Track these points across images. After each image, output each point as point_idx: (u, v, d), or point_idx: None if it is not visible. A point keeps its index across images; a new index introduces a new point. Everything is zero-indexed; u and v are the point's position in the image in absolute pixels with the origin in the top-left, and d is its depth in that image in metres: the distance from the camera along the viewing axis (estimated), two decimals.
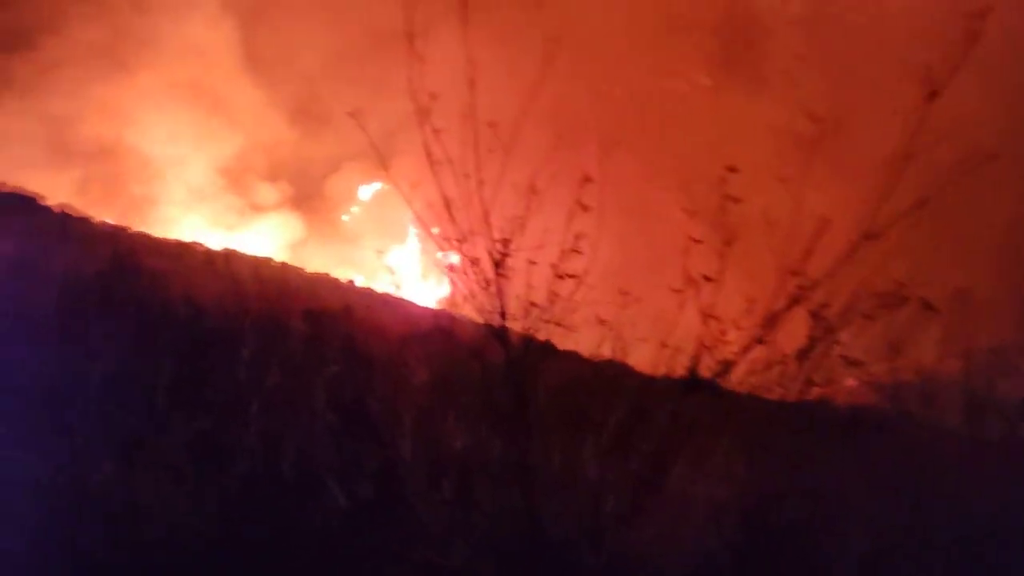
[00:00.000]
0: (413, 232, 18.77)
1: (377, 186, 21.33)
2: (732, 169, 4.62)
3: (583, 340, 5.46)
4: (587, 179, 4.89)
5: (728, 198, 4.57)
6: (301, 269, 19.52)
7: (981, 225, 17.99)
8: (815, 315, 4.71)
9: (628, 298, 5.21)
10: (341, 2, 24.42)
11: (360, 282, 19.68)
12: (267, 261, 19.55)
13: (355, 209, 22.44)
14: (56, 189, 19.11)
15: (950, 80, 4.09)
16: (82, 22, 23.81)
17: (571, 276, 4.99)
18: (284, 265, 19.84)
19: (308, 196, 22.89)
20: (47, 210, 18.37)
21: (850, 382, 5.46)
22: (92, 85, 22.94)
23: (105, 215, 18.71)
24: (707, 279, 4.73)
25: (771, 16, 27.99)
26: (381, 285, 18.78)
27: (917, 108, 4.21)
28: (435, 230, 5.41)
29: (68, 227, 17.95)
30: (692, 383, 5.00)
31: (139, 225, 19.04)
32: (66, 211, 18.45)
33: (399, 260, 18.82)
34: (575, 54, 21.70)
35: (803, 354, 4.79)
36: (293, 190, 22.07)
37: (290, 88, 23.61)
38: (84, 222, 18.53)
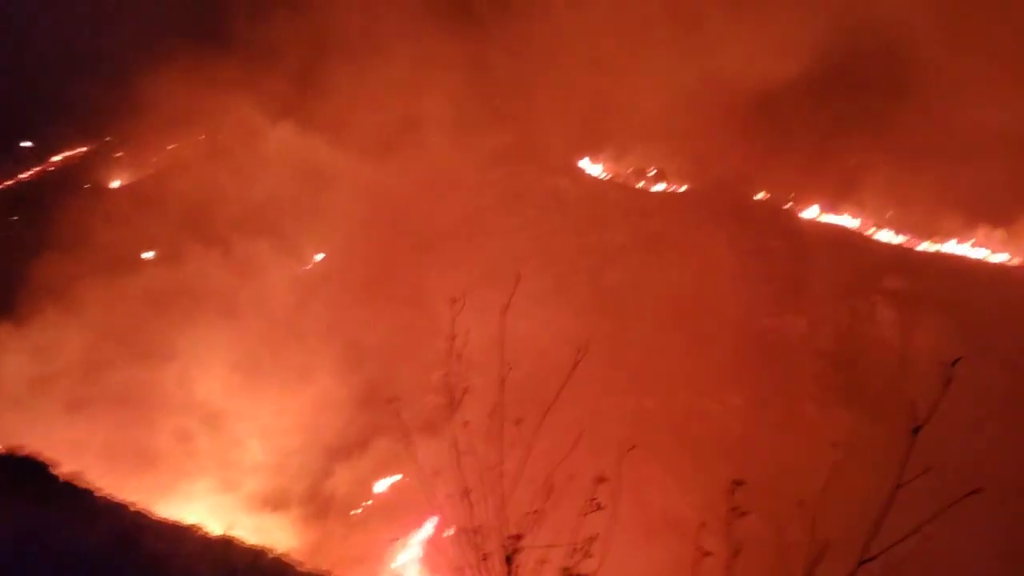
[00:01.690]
0: (427, 529, 18.57)
1: (396, 477, 21.55)
2: (739, 482, 4.96)
3: None
4: (602, 479, 5.25)
5: (736, 511, 4.86)
6: (300, 564, 19.05)
7: (973, 557, 17.74)
8: None
9: None
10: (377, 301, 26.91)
11: None
12: (264, 553, 19.18)
13: (367, 503, 22.43)
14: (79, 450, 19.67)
15: (930, 417, 4.59)
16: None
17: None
18: (281, 559, 19.40)
19: (320, 486, 23.11)
20: (55, 479, 18.68)
21: None
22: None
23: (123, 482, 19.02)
24: None
25: (801, 345, 30.10)
26: None
27: (906, 440, 4.67)
28: (448, 532, 5.64)
29: (73, 497, 18.12)
30: None
31: (146, 499, 19.09)
32: (73, 482, 18.71)
33: (408, 562, 18.42)
34: (611, 358, 23.31)
35: None
36: (305, 480, 22.39)
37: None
38: (87, 495, 18.69)
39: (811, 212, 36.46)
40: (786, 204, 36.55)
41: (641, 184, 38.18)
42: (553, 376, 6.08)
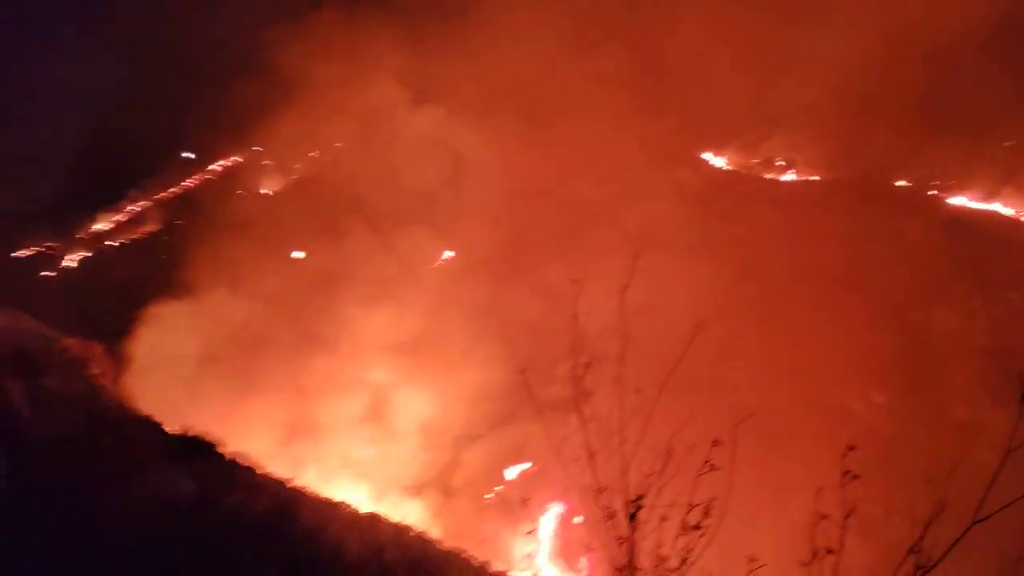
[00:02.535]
0: (553, 514, 19.14)
1: (525, 466, 22.29)
2: (852, 447, 5.17)
3: None
4: (717, 442, 5.57)
5: (848, 474, 5.07)
6: (438, 542, 20.08)
7: None
8: None
9: (754, 564, 5.55)
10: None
11: (496, 566, 19.86)
12: (407, 529, 20.30)
13: (499, 488, 23.26)
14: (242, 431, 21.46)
15: None
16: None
17: (700, 532, 5.46)
18: (422, 536, 20.49)
19: (456, 469, 24.13)
20: (220, 457, 20.43)
21: None
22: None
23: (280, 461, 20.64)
24: (829, 551, 5.07)
25: (952, 341, 28.46)
26: (519, 574, 18.90)
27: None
28: (577, 519, 6.09)
29: (235, 474, 19.78)
30: None
31: (302, 476, 20.62)
32: (236, 459, 20.44)
33: (537, 540, 19.03)
34: (729, 330, 23.05)
35: None
36: (444, 462, 23.46)
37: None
38: (250, 472, 20.37)
39: (962, 199, 34.38)
40: (933, 191, 34.59)
41: (770, 175, 37.21)
42: (672, 353, 6.44)
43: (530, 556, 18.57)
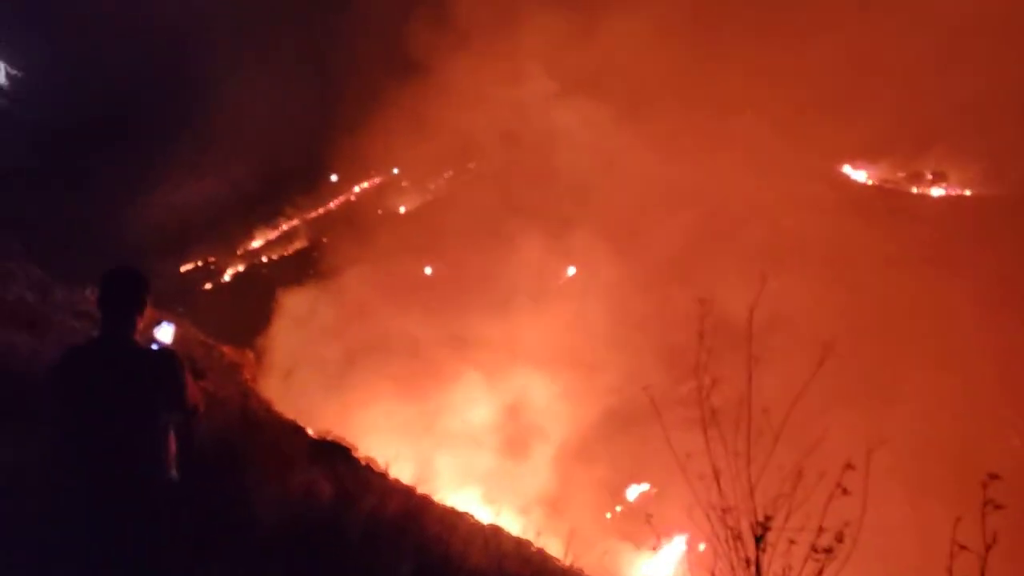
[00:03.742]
0: (676, 534, 18.78)
1: (646, 486, 22.02)
2: (994, 476, 4.89)
3: None
4: (849, 466, 5.40)
5: (989, 504, 4.80)
6: (558, 560, 20.06)
7: None
8: None
9: None
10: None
11: None
12: (528, 544, 20.42)
13: (618, 508, 23.09)
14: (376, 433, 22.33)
15: None
16: None
17: (831, 557, 5.30)
18: (542, 551, 20.55)
19: (573, 487, 24.10)
20: (356, 461, 21.29)
21: None
22: None
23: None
24: None
25: None
26: None
27: None
28: (701, 546, 6.01)
29: (369, 478, 20.57)
30: None
31: (428, 484, 21.18)
32: (370, 464, 21.25)
33: (660, 561, 18.73)
34: (864, 351, 21.78)
35: None
36: (564, 477, 23.53)
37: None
38: (382, 477, 21.14)
39: None
40: None
41: (918, 189, 35.04)
42: (802, 373, 6.30)
43: None
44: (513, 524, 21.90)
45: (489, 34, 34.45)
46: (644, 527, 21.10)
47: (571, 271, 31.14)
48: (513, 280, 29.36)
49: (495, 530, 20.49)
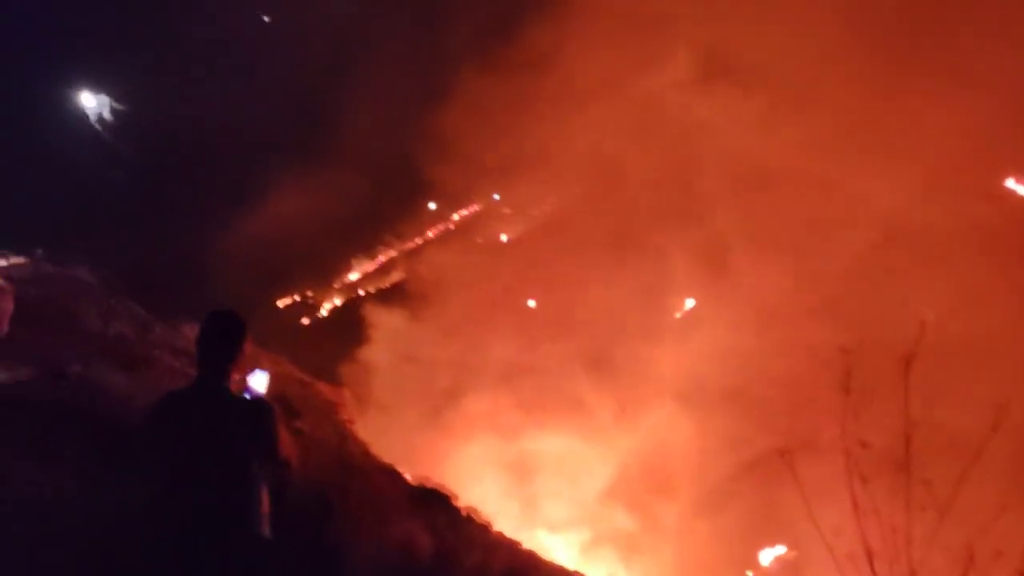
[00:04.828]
0: None
1: (781, 550, 21.00)
2: None
3: None
4: None
5: None
6: None
7: None
8: None
9: None
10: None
11: None
12: None
13: (749, 574, 22.10)
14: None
15: None
16: None
17: None
18: None
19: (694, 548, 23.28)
20: (457, 511, 21.29)
21: None
22: None
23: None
24: None
25: None
26: None
27: None
28: None
29: (470, 530, 20.49)
30: None
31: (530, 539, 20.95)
32: (472, 515, 21.19)
33: None
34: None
35: None
36: (689, 534, 22.75)
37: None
38: (485, 529, 21.01)
39: None
40: None
41: None
42: (969, 438, 5.77)
43: None
44: None
45: (593, 55, 34.07)
46: None
47: (689, 304, 30.23)
48: (624, 311, 28.61)
49: None
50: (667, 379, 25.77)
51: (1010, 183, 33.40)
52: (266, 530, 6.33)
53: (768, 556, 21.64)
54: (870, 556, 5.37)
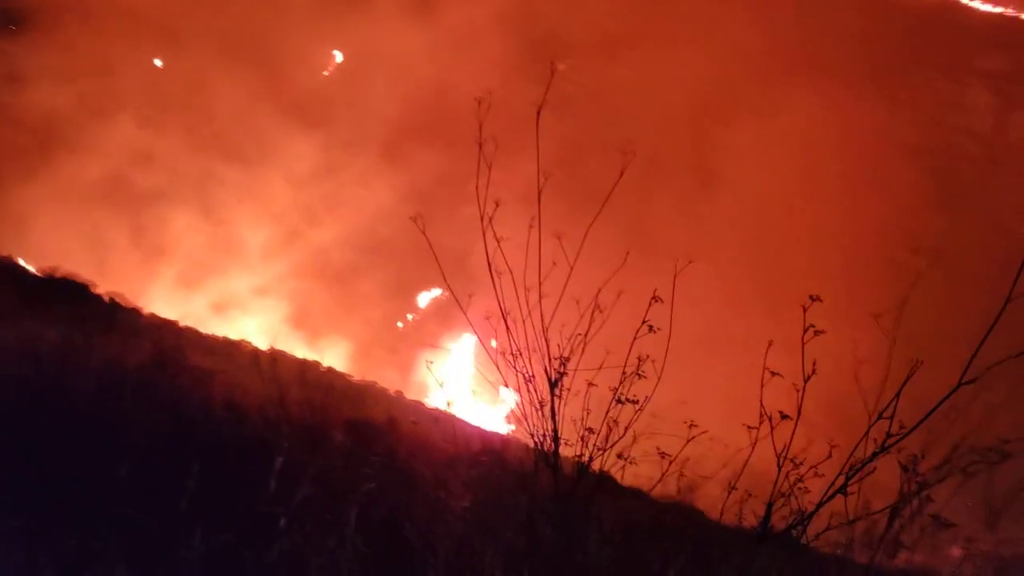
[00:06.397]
0: (470, 345, 18.95)
1: (436, 292, 21.84)
2: (816, 298, 4.57)
3: (643, 475, 5.31)
4: (656, 298, 4.91)
5: (811, 329, 4.50)
6: (348, 376, 19.78)
7: None
8: (906, 467, 4.50)
9: (696, 431, 5.09)
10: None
11: (409, 395, 19.85)
12: (315, 365, 19.88)
13: (410, 316, 22.92)
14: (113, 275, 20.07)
15: None
16: None
17: (633, 401, 4.92)
18: (330, 370, 20.15)
19: (363, 299, 23.49)
20: (97, 299, 19.18)
21: (954, 551, 5.11)
22: None
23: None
24: (783, 416, 4.60)
25: (877, 135, 26.90)
26: (431, 400, 18.88)
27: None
28: (492, 342, 5.44)
29: (115, 317, 18.67)
30: (764, 533, 4.78)
31: (189, 319, 19.68)
32: (115, 299, 19.23)
33: (452, 374, 18.95)
34: (652, 165, 21.02)
35: (891, 510, 4.54)
36: (345, 291, 22.78)
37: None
38: (132, 313, 19.25)
39: None
40: None
41: None
42: (598, 187, 5.59)
43: (442, 384, 18.54)
44: (296, 347, 21.15)
45: None
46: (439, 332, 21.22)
47: None
48: None
49: (274, 357, 19.66)
50: None
51: None
52: None
53: (426, 299, 22.52)
54: (504, 314, 5.14)
